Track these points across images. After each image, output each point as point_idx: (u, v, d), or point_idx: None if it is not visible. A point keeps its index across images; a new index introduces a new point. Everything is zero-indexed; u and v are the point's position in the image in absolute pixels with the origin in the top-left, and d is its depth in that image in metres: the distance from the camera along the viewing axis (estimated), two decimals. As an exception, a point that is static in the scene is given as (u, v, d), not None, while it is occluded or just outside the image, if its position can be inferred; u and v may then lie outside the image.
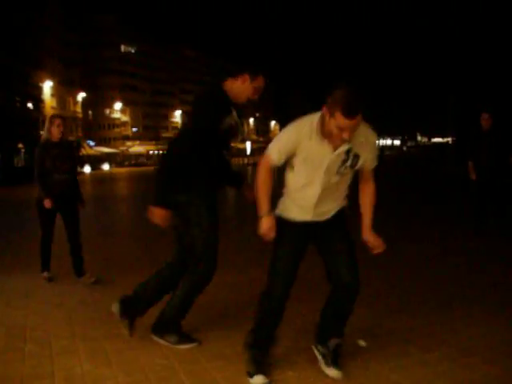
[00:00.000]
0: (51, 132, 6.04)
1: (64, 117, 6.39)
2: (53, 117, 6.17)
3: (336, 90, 3.11)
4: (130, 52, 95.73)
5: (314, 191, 3.40)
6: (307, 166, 3.36)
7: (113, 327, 4.52)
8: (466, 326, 4.40)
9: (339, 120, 3.06)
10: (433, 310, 4.85)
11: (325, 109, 3.16)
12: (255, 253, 7.12)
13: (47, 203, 5.95)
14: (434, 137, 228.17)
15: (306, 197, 3.44)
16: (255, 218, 3.41)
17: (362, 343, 4.07)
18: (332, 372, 3.51)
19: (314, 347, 3.68)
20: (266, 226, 3.36)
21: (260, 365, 3.54)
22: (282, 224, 3.46)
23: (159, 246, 8.53)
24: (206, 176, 3.97)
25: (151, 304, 4.28)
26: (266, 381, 3.46)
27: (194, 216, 3.97)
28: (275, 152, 3.38)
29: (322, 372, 3.54)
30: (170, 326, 4.14)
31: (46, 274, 6.34)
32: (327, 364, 3.55)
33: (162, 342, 4.12)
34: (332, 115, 3.09)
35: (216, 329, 4.48)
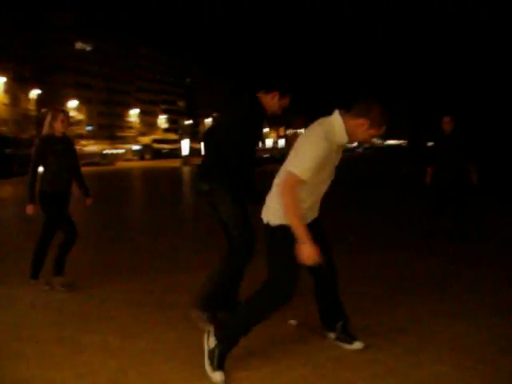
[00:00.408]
0: (54, 127, 5.77)
1: (67, 111, 6.10)
2: (56, 111, 5.85)
3: (371, 105, 3.50)
4: (85, 50, 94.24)
5: (323, 189, 3.70)
6: (325, 170, 3.53)
7: (62, 330, 4.43)
8: (412, 324, 4.47)
9: (381, 130, 3.58)
10: (384, 309, 4.91)
11: (363, 120, 3.48)
12: (211, 253, 7.08)
13: (30, 209, 5.61)
14: (388, 139, 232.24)
15: (318, 197, 3.71)
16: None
17: (293, 322, 4.47)
18: (357, 345, 3.92)
19: (328, 336, 4.05)
20: (311, 250, 3.33)
21: (224, 361, 3.52)
22: (289, 230, 3.42)
23: (112, 250, 8.43)
24: (236, 174, 4.29)
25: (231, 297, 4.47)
26: (223, 378, 3.45)
27: (218, 196, 4.29)
28: (307, 172, 3.39)
29: (274, 371, 3.55)
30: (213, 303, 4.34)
31: (33, 281, 5.88)
32: (349, 342, 3.95)
33: (199, 317, 4.29)
34: (373, 126, 3.50)
35: (171, 330, 4.43)
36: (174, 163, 56.22)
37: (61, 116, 5.79)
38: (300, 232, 3.35)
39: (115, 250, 8.17)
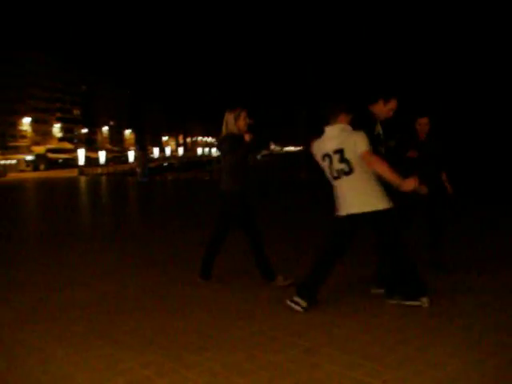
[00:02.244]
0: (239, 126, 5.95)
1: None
2: (241, 110, 6.00)
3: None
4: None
5: None
6: None
7: None
8: (308, 328, 4.60)
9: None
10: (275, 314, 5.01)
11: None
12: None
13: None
14: (286, 146, 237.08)
15: None
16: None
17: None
18: (424, 300, 4.97)
19: (391, 301, 5.11)
20: (409, 182, 4.73)
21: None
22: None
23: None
24: None
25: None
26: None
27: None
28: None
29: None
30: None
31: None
32: (415, 298, 4.99)
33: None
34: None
35: (62, 346, 4.29)
36: (71, 173, 54.36)
37: (244, 113, 6.01)
38: (396, 178, 4.72)
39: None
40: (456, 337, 4.24)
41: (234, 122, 5.95)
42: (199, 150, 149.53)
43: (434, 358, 3.84)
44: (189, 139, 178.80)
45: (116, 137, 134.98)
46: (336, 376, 3.60)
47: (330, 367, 3.75)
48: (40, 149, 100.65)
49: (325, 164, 5.02)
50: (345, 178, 4.90)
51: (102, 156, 74.92)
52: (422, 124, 6.66)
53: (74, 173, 53.97)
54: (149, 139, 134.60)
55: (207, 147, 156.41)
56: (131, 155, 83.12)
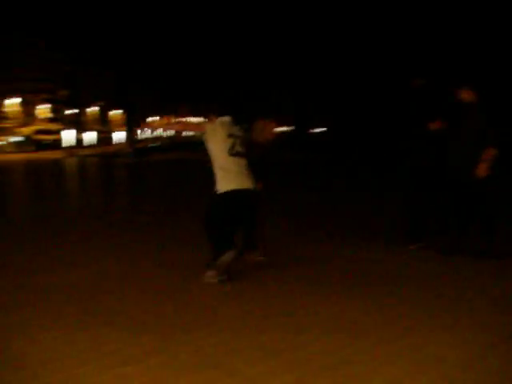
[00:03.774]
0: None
1: None
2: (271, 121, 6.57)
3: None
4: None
5: None
6: None
7: None
8: (296, 308, 4.61)
9: None
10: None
11: None
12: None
13: None
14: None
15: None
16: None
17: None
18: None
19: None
20: None
21: None
22: None
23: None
24: None
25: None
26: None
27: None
28: None
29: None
30: None
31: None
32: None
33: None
34: None
35: (49, 329, 4.27)
36: (59, 155, 53.93)
37: None
38: None
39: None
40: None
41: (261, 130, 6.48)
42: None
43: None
44: (178, 119, 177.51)
45: (104, 118, 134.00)
46: (325, 356, 3.62)
47: (320, 346, 3.77)
48: (27, 130, 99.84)
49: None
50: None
51: (88, 137, 74.44)
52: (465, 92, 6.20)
53: (63, 154, 53.58)
54: (137, 120, 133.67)
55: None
56: (118, 136, 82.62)
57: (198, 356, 3.67)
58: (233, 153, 5.60)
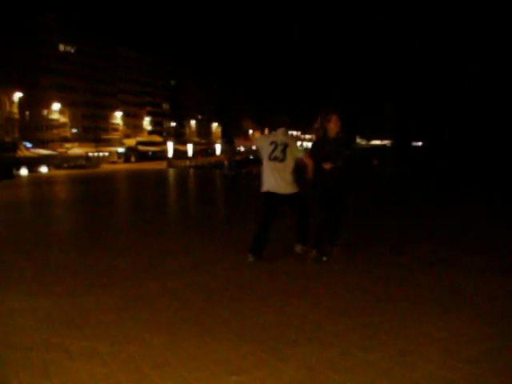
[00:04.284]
0: (329, 128, 6.73)
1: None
2: (329, 113, 6.75)
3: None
4: (69, 51, 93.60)
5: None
6: None
7: (51, 336, 4.39)
8: (402, 326, 4.48)
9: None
10: (365, 311, 4.91)
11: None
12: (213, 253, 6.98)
13: None
14: (373, 139, 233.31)
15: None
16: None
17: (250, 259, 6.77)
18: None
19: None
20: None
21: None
22: None
23: (96, 254, 8.36)
24: None
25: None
26: None
27: None
28: None
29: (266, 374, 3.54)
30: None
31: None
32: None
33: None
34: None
35: (160, 334, 4.40)
36: (160, 165, 55.88)
37: (334, 117, 6.71)
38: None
39: (99, 255, 8.09)
40: None
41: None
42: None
43: None
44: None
45: (203, 130, 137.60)
46: (428, 376, 3.49)
47: (426, 367, 3.64)
48: (130, 141, 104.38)
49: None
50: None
51: (189, 149, 76.68)
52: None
53: (162, 165, 55.49)
54: (235, 132, 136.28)
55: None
56: (218, 148, 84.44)
57: (303, 370, 3.65)
58: (272, 158, 6.76)
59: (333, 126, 6.70)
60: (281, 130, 6.92)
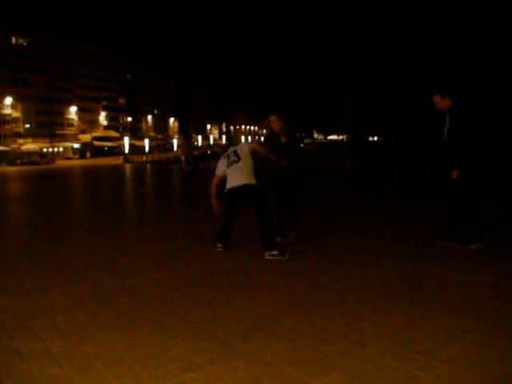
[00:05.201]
0: (273, 126, 7.63)
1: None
2: (268, 116, 7.65)
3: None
4: (22, 44, 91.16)
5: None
6: None
7: (1, 337, 4.28)
8: (358, 319, 4.53)
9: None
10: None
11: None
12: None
13: None
14: (329, 134, 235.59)
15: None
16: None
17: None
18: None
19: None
20: None
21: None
22: None
23: (53, 252, 8.21)
24: None
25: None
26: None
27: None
28: None
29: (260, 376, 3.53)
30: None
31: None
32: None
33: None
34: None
35: (116, 333, 4.34)
36: (116, 161, 55.20)
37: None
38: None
39: (56, 253, 7.94)
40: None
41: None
42: (242, 139, 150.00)
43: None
44: (232, 128, 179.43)
45: (160, 125, 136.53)
46: (386, 369, 3.54)
47: (380, 359, 3.69)
48: (86, 137, 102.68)
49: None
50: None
51: (146, 144, 75.89)
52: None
53: (118, 160, 54.83)
54: (192, 127, 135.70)
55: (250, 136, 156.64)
56: (176, 143, 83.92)
57: (259, 366, 3.65)
58: (229, 164, 7.28)
59: (273, 126, 7.67)
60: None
